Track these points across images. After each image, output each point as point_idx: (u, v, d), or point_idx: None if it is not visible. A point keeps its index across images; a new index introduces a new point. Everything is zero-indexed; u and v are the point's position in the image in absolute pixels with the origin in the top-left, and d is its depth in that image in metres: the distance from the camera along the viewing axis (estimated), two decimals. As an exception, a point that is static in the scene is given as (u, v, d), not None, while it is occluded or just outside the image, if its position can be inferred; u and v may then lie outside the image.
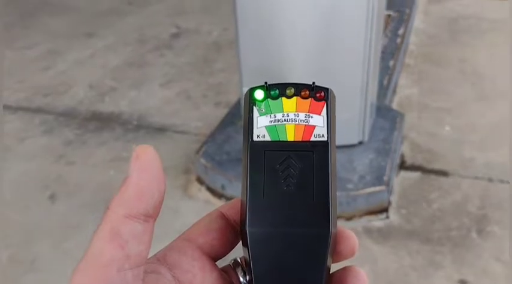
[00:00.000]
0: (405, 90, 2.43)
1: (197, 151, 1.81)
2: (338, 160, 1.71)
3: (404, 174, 1.86)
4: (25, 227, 1.69)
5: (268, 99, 0.32)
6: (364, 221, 1.64)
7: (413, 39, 2.93)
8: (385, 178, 1.65)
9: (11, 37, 3.19)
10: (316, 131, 0.32)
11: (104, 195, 1.81)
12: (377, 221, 1.64)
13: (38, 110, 2.39)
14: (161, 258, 0.30)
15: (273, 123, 0.32)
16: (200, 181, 1.80)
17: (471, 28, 3.03)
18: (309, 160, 0.31)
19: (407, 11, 3.00)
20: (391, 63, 2.41)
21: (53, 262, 1.55)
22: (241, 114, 1.92)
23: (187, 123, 2.22)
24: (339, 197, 1.60)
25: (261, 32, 1.65)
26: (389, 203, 1.68)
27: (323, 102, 0.32)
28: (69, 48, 3.02)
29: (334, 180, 0.32)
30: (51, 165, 1.99)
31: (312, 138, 0.31)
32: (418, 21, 3.16)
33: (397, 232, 1.61)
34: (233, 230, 0.33)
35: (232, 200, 0.35)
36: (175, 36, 3.14)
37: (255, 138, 0.32)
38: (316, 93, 0.32)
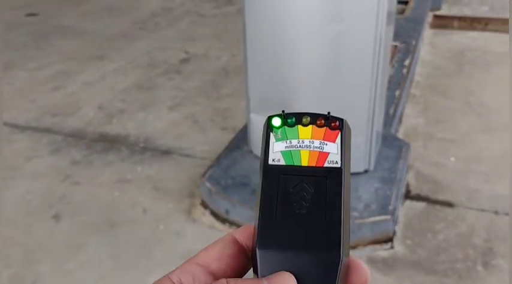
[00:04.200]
0: (411, 120, 2.45)
1: (202, 175, 1.81)
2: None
3: (409, 203, 1.85)
4: (27, 247, 1.68)
5: (285, 126, 0.34)
6: (369, 250, 1.63)
7: (419, 70, 2.95)
8: (391, 207, 1.64)
9: (24, 58, 3.25)
10: (330, 158, 0.32)
11: (108, 216, 1.81)
12: (382, 251, 1.62)
13: (46, 130, 2.41)
14: (176, 282, 0.31)
15: (288, 149, 0.33)
16: (204, 205, 1.80)
17: (477, 60, 3.06)
18: (322, 186, 0.31)
19: (413, 42, 3.04)
20: (397, 92, 2.43)
21: (53, 283, 1.54)
22: (246, 139, 1.93)
23: (193, 147, 2.23)
24: (343, 225, 1.59)
25: (269, 60, 1.67)
26: (394, 233, 1.67)
27: (337, 131, 0.33)
28: (80, 70, 3.07)
29: (347, 208, 0.32)
30: (57, 184, 2.00)
31: (326, 164, 0.32)
32: (424, 52, 3.19)
33: (402, 263, 1.59)
34: (245, 256, 0.33)
35: (246, 225, 0.35)
36: (185, 61, 3.19)
37: (270, 162, 0.33)
38: (331, 122, 0.33)
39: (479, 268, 1.55)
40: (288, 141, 0.33)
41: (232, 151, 1.93)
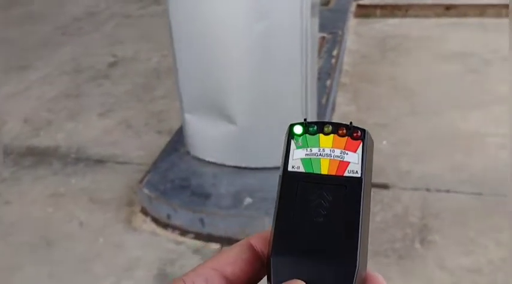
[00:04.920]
0: (343, 107, 2.52)
1: (140, 181, 1.77)
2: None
3: (347, 190, 1.90)
4: (-45, 276, 1.57)
5: (306, 135, 0.33)
6: (312, 239, 1.66)
7: (347, 60, 3.04)
8: (329, 195, 1.68)
9: None
10: (350, 167, 0.32)
11: (43, 233, 1.72)
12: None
13: (-34, 149, 2.25)
14: (189, 283, 0.31)
15: (308, 156, 0.32)
16: (144, 212, 1.75)
17: (399, 46, 3.19)
18: (341, 195, 0.31)
19: (340, 32, 3.12)
20: (328, 82, 2.49)
21: (-12, 311, 1.45)
22: (183, 140, 1.90)
23: (129, 153, 2.17)
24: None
25: (198, 61, 1.66)
26: (335, 220, 1.71)
27: (359, 141, 0.32)
28: (3, 82, 2.89)
29: (366, 218, 0.31)
30: (-17, 206, 1.88)
31: (346, 174, 0.32)
32: (350, 42, 3.29)
33: (345, 248, 1.63)
34: (261, 263, 0.32)
35: (263, 231, 0.34)
36: (113, 65, 3.09)
37: (290, 169, 0.32)
38: (353, 132, 0.33)
39: (417, 245, 1.62)
40: (308, 149, 0.33)
41: (169, 154, 1.89)
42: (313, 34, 1.66)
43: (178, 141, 1.95)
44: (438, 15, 3.68)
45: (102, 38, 3.56)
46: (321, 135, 0.33)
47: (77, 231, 1.74)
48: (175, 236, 1.67)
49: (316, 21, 1.75)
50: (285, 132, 0.34)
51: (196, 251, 1.61)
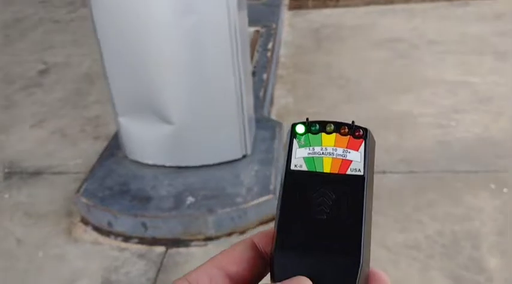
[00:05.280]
0: (281, 99, 2.54)
1: (77, 191, 1.71)
2: (224, 177, 1.73)
3: (289, 180, 1.93)
4: None
5: (309, 134, 0.33)
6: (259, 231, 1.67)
7: (283, 52, 3.08)
8: (271, 186, 1.70)
9: None
10: (352, 165, 0.32)
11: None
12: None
13: None
14: (193, 282, 0.31)
15: (311, 155, 0.33)
16: (85, 221, 1.70)
17: (332, 36, 3.27)
18: (344, 192, 0.31)
19: (273, 25, 3.15)
20: (265, 75, 2.51)
21: None
22: (120, 144, 1.86)
23: (65, 163, 2.09)
24: (229, 213, 1.61)
25: (127, 62, 1.62)
26: (278, 210, 1.73)
27: (361, 139, 0.33)
28: None
29: (369, 215, 0.31)
30: None
31: (348, 172, 0.32)
32: (285, 34, 3.33)
33: (290, 237, 1.66)
34: (263, 261, 0.32)
35: (266, 230, 0.34)
36: (44, 72, 2.97)
37: (292, 167, 0.32)
38: (355, 131, 0.33)
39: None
40: (311, 148, 0.33)
41: (106, 160, 1.84)
42: (242, 28, 1.66)
43: (115, 145, 1.91)
44: (367, 4, 3.80)
45: (31, 45, 3.41)
46: (323, 134, 0.33)
47: (14, 248, 1.67)
48: (118, 243, 1.63)
49: (245, 14, 1.76)
50: (288, 132, 0.34)
51: (140, 256, 1.58)
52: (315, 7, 3.84)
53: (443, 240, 1.57)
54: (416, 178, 1.87)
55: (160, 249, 1.60)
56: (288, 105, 2.49)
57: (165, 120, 1.67)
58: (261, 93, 2.34)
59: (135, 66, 1.62)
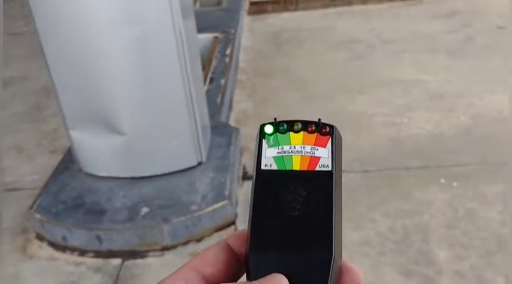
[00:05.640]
0: (241, 104, 2.56)
1: (31, 207, 1.69)
2: (179, 186, 1.74)
3: (248, 183, 1.95)
4: None
5: (277, 133, 0.34)
6: (215, 238, 1.68)
7: (242, 57, 3.10)
8: (226, 192, 1.71)
9: None
10: (321, 162, 0.33)
11: None
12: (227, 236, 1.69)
13: None
14: None
15: (280, 154, 0.33)
16: (40, 237, 1.68)
17: (292, 39, 3.31)
18: (314, 189, 0.32)
19: (232, 31, 3.17)
20: (223, 81, 2.52)
21: None
22: (74, 159, 1.84)
23: (21, 179, 2.07)
24: (184, 221, 1.62)
25: (75, 75, 1.61)
26: (235, 215, 1.75)
27: (328, 136, 0.33)
28: None
29: (339, 210, 0.32)
30: None
31: (317, 168, 0.32)
32: (244, 39, 3.36)
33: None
34: (239, 262, 0.33)
35: (240, 230, 0.34)
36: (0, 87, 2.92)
37: (263, 167, 0.33)
38: (321, 129, 0.34)
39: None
40: (280, 147, 0.33)
41: (60, 174, 1.83)
42: (189, 36, 1.67)
43: (69, 159, 1.89)
44: (325, 6, 3.86)
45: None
46: (291, 133, 0.34)
47: (-34, 269, 1.63)
48: (74, 257, 1.62)
49: (192, 22, 1.77)
50: (256, 133, 0.35)
51: (97, 269, 1.57)
52: (274, 11, 3.88)
53: (394, 236, 1.61)
54: (370, 177, 1.91)
55: (116, 261, 1.59)
56: (247, 109, 2.51)
57: (117, 131, 1.67)
58: (219, 99, 2.35)
59: (82, 79, 1.61)
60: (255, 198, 0.32)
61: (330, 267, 0.30)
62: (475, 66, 2.66)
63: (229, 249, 0.33)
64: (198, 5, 3.92)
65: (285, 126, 0.34)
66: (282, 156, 0.33)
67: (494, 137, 2.04)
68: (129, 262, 1.59)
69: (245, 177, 1.98)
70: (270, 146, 0.34)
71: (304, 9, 3.85)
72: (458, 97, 2.38)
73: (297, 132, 0.34)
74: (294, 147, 0.33)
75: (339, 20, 3.55)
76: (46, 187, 1.77)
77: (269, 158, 0.33)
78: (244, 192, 1.89)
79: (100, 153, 1.74)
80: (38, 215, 1.64)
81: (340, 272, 0.31)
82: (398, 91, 2.50)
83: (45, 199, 1.71)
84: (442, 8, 3.49)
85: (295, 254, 0.30)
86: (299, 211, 0.31)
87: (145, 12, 1.52)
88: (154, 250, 1.61)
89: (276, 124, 0.35)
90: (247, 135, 2.22)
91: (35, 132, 2.42)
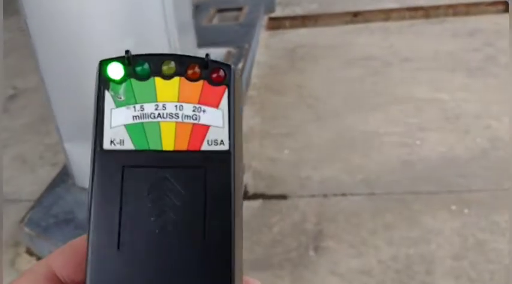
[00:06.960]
0: (248, 120, 2.50)
1: (21, 220, 1.66)
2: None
3: (247, 204, 1.87)
4: None
5: (132, 79, 0.21)
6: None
7: (255, 72, 3.05)
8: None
9: None
10: (210, 135, 0.20)
11: None
12: (220, 258, 1.61)
13: None
14: None
15: (138, 120, 0.20)
16: (29, 252, 1.64)
17: (307, 55, 3.24)
18: (199, 184, 0.19)
19: (246, 45, 3.13)
20: (231, 97, 2.47)
21: None
22: (70, 172, 1.81)
23: (21, 190, 2.05)
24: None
25: (69, 87, 1.59)
26: (230, 236, 1.67)
27: (223, 86, 0.20)
28: None
29: (239, 214, 0.20)
30: None
31: (205, 147, 0.20)
32: (259, 54, 3.31)
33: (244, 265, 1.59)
34: None
35: (70, 245, 0.23)
36: (12, 97, 2.95)
37: (107, 146, 0.21)
38: (212, 73, 0.20)
39: (311, 252, 1.60)
40: (137, 106, 0.20)
41: (55, 188, 1.80)
42: (186, 51, 1.63)
43: (66, 172, 1.86)
44: (346, 23, 3.79)
45: (4, 71, 3.40)
46: (158, 79, 0.20)
47: (-46, 281, 1.60)
48: (60, 274, 1.57)
49: (190, 38, 1.73)
50: (96, 78, 0.19)
51: (82, 287, 1.52)
52: (292, 27, 3.83)
53: (396, 265, 1.50)
54: (376, 200, 1.81)
55: (102, 280, 1.54)
56: (254, 126, 2.45)
57: (111, 145, 1.62)
58: (225, 115, 2.30)
59: (77, 91, 1.58)
60: (95, 203, 0.20)
61: None
62: (495, 86, 2.53)
63: (53, 280, 0.23)
64: (216, 20, 3.91)
65: (146, 65, 0.21)
66: (142, 122, 0.20)
67: (511, 162, 1.91)
68: (116, 282, 1.53)
69: (246, 196, 1.91)
70: (119, 105, 0.20)
71: (323, 25, 3.79)
72: (475, 118, 2.26)
73: (167, 77, 0.21)
74: (164, 107, 0.20)
75: (357, 36, 3.47)
76: (40, 200, 1.74)
77: (118, 128, 0.20)
78: (244, 212, 1.81)
79: (94, 167, 1.69)
80: (27, 229, 1.60)
81: None
82: (413, 110, 2.40)
83: (36, 212, 1.67)
84: (465, 27, 3.38)
85: None
86: (174, 224, 0.19)
87: (140, 26, 1.49)
88: (143, 270, 1.55)
89: (130, 62, 0.21)
90: (252, 152, 2.16)
91: (39, 144, 2.41)
